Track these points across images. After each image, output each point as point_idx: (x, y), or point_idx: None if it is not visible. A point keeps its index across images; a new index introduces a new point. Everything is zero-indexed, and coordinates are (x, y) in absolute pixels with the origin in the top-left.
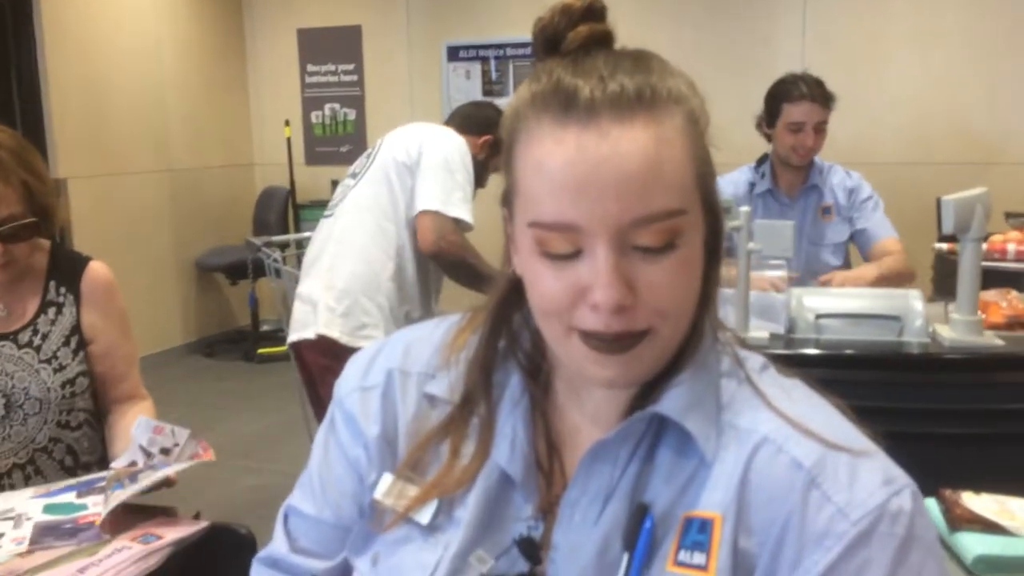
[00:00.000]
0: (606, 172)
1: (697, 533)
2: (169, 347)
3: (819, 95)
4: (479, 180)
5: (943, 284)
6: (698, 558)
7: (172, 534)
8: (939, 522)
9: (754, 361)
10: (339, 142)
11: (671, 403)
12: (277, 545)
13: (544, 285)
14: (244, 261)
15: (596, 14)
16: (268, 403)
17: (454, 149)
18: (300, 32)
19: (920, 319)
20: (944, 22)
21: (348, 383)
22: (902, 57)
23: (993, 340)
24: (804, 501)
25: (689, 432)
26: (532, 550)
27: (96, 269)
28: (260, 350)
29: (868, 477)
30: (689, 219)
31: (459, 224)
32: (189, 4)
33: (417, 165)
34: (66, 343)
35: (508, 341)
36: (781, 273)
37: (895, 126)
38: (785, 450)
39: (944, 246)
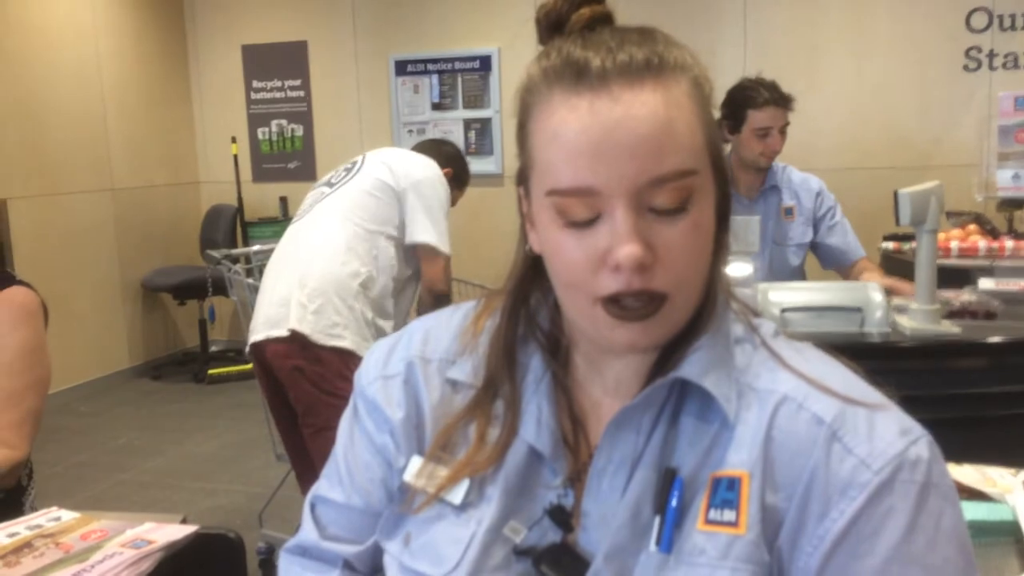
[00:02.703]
0: (620, 135)
1: (726, 491)
2: (115, 371)
3: (781, 98)
4: None
5: None
6: (728, 515)
7: (163, 539)
8: None
9: (767, 327)
10: (287, 158)
11: (691, 368)
12: (306, 534)
13: (566, 255)
14: (191, 280)
15: None
16: (221, 423)
17: (440, 183)
18: (245, 48)
19: (881, 310)
20: (878, 32)
21: (368, 373)
22: (838, 66)
23: (951, 328)
24: (827, 454)
25: (710, 394)
26: (563, 518)
27: (15, 292)
28: (211, 371)
29: (886, 428)
30: (701, 180)
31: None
32: (130, 20)
33: (405, 192)
34: None
35: (526, 320)
36: (748, 270)
37: (832, 132)
38: (805, 407)
39: (890, 245)
